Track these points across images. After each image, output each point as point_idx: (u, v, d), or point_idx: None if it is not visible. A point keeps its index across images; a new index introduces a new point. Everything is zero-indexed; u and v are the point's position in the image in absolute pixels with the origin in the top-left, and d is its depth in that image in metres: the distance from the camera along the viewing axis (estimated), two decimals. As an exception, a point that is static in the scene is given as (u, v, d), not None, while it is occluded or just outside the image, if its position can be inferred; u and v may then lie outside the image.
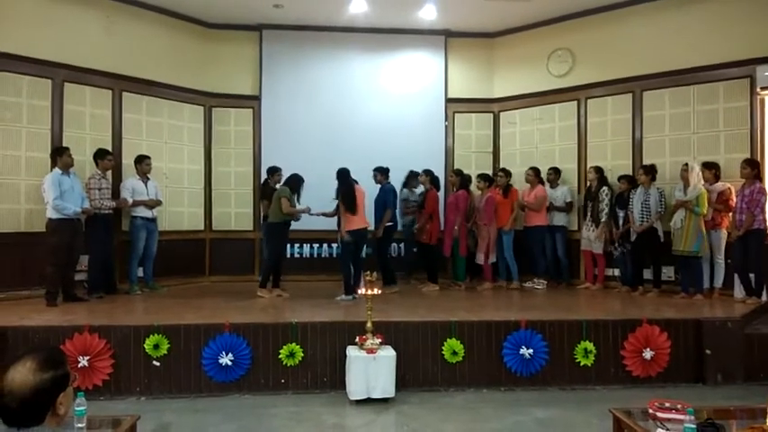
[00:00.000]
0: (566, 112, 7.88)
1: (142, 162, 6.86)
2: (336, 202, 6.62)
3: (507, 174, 7.42)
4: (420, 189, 7.58)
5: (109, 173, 6.62)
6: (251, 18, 7.94)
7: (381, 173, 7.18)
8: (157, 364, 4.62)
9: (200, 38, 8.05)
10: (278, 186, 6.85)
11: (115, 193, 6.67)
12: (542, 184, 7.50)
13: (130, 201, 6.68)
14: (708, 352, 4.90)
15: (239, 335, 4.70)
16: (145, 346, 4.61)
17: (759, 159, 6.30)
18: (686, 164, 6.37)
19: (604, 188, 6.99)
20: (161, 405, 4.45)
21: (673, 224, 6.31)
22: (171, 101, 7.71)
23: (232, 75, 8.21)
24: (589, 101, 7.69)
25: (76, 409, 2.44)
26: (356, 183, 6.51)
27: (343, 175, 6.48)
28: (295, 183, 6.61)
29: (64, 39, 6.62)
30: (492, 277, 7.26)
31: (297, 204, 6.61)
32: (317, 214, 6.86)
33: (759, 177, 6.04)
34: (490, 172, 7.78)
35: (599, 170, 7.12)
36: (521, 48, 8.31)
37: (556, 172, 7.60)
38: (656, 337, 4.87)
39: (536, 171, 7.48)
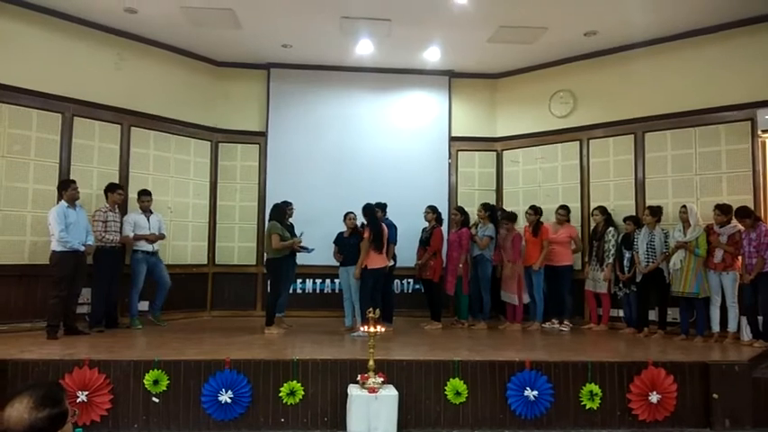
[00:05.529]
0: (568, 152, 7.95)
1: (140, 198, 6.90)
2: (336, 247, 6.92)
3: (537, 211, 7.32)
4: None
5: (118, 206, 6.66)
6: (260, 57, 8.10)
7: (381, 209, 7.18)
8: (156, 400, 4.56)
9: (208, 75, 8.21)
10: (291, 221, 6.87)
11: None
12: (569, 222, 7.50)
13: (131, 235, 6.68)
14: (715, 396, 4.80)
15: (240, 371, 4.64)
16: (144, 381, 4.56)
17: (762, 201, 6.34)
18: (684, 206, 6.40)
19: (611, 229, 6.99)
20: (159, 443, 4.38)
21: (672, 265, 6.30)
22: (178, 136, 7.82)
23: (239, 111, 8.33)
24: (591, 141, 7.77)
25: (74, 445, 2.40)
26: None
27: (373, 211, 6.52)
28: (280, 214, 6.62)
29: (75, 74, 6.75)
30: (521, 318, 7.14)
31: (288, 236, 6.59)
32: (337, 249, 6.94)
33: (758, 219, 6.02)
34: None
35: (604, 211, 7.13)
36: (523, 88, 8.44)
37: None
38: (662, 381, 4.79)
39: (567, 210, 7.45)
